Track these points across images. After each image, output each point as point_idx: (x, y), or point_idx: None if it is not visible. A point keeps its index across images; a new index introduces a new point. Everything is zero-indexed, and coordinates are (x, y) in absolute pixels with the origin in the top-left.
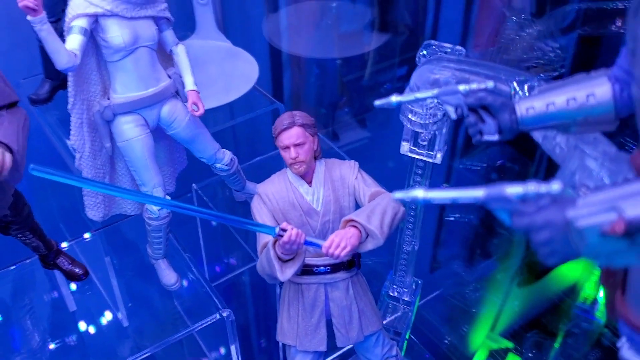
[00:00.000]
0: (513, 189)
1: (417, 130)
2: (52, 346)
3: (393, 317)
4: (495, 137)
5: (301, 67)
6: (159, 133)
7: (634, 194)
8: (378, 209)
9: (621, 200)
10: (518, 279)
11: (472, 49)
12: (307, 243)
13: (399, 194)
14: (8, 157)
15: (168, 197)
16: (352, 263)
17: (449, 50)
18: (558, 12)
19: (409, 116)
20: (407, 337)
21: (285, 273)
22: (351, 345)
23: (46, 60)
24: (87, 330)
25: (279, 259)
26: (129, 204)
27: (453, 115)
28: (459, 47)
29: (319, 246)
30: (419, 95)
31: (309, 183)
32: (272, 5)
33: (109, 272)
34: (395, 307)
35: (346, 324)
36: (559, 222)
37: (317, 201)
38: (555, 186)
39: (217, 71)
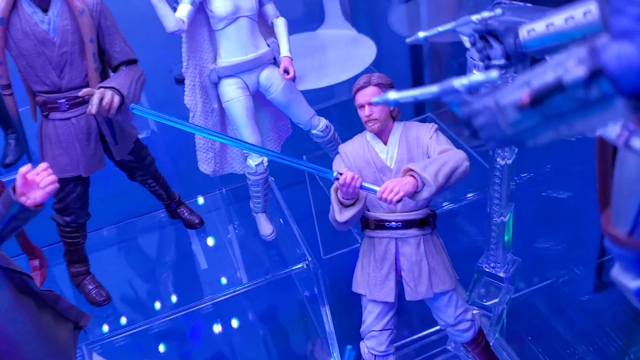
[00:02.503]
0: (459, 81)
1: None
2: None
3: (493, 300)
4: (502, 62)
5: (441, 61)
6: (262, 100)
7: (543, 71)
8: (439, 160)
9: (533, 76)
10: None
11: None
12: (362, 188)
13: (375, 99)
14: (117, 99)
15: (265, 158)
16: (425, 222)
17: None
18: None
19: (474, 72)
20: (503, 317)
21: (343, 215)
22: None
23: None
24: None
25: (340, 202)
26: (237, 164)
27: (467, 45)
28: (529, 5)
29: (375, 191)
30: (441, 28)
31: (385, 142)
32: None
33: (229, 228)
34: (488, 282)
35: (415, 278)
36: (492, 106)
37: (390, 159)
38: (492, 74)
39: (338, 54)
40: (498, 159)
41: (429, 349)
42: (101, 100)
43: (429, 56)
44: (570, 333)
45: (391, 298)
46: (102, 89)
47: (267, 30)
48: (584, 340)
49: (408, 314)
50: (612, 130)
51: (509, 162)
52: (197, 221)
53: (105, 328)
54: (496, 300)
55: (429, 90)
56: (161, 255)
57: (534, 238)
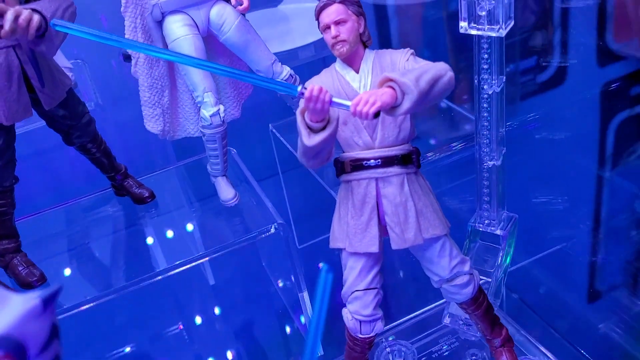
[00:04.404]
0: None
1: None
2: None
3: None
4: None
5: (411, 24)
6: (217, 48)
7: None
8: (418, 69)
9: None
10: None
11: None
12: (332, 104)
13: None
14: (36, 18)
15: (221, 108)
16: (407, 159)
17: None
18: None
19: None
20: (502, 288)
21: (312, 138)
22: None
23: None
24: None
25: (308, 127)
26: (191, 124)
27: None
28: None
29: (347, 107)
30: None
31: (357, 71)
32: None
33: (179, 203)
34: (483, 248)
35: (401, 223)
36: None
37: (364, 88)
38: None
39: (302, 23)
40: (485, 87)
41: (423, 327)
42: (17, 18)
43: (394, 16)
44: (583, 304)
45: (375, 247)
46: (18, 7)
47: None
48: (606, 311)
49: (397, 294)
50: None
51: (497, 89)
52: (147, 194)
53: None
54: (492, 270)
55: None
56: (107, 234)
57: (530, 192)
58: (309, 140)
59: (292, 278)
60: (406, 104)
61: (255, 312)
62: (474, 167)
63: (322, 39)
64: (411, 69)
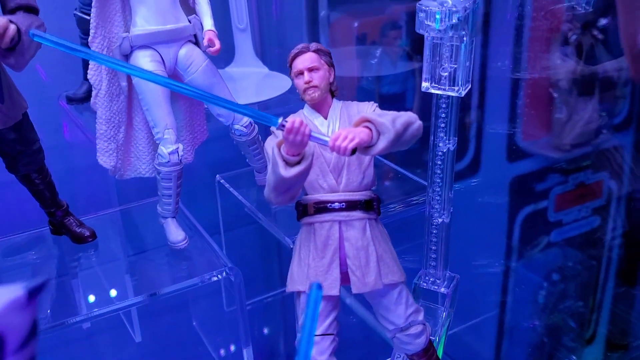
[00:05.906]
0: None
1: (435, 39)
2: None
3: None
4: None
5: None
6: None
7: None
8: (392, 114)
9: None
10: None
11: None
12: (312, 138)
13: None
14: (13, 27)
15: (180, 146)
16: (369, 205)
17: None
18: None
19: (426, 23)
20: (442, 340)
21: (289, 170)
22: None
23: (86, 64)
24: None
25: (284, 160)
26: (143, 164)
27: None
28: None
29: (326, 142)
30: None
31: (325, 117)
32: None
33: (121, 246)
34: (425, 307)
35: (362, 266)
36: None
37: (332, 133)
38: None
39: (250, 84)
40: (440, 144)
41: None
42: None
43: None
44: None
45: (336, 290)
46: None
47: (188, 9)
48: None
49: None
50: None
51: (452, 147)
52: (87, 234)
53: None
54: (435, 328)
55: None
56: (36, 276)
57: (470, 255)
58: (286, 171)
59: (238, 332)
60: (381, 144)
61: None
62: (414, 229)
63: (265, 101)
64: (384, 113)
